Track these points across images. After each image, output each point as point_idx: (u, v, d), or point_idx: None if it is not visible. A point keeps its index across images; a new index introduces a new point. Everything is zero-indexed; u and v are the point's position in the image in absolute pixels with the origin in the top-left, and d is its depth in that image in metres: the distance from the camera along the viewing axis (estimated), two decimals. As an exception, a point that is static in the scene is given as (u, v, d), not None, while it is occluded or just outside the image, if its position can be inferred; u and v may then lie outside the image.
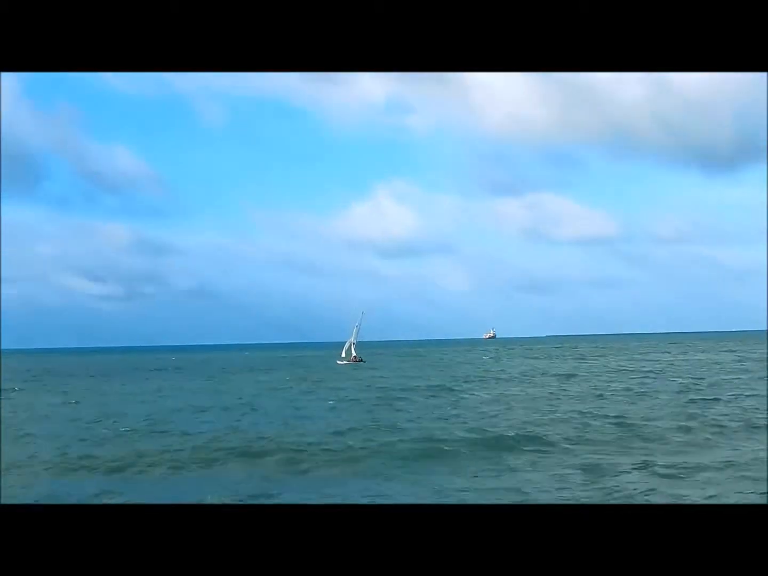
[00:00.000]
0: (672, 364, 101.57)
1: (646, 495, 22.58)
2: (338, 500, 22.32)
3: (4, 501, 21.74)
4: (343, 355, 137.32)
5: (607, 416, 43.67)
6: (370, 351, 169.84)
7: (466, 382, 79.50)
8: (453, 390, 68.89)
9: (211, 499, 22.58)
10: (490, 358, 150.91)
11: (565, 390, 64.49)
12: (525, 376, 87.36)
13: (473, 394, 63.06)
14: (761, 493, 21.71)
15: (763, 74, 7.23)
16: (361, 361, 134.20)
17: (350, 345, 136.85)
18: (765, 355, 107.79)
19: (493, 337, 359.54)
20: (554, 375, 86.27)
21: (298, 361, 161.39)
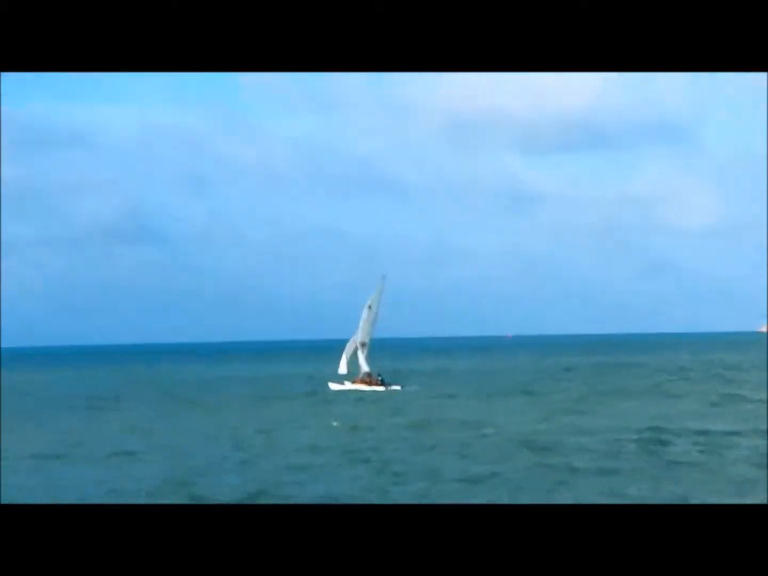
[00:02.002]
0: None
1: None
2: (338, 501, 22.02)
3: (4, 501, 21.75)
4: (343, 369, 69.75)
5: None
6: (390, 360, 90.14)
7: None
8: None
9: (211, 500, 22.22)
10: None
11: None
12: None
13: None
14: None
15: (763, 74, 7.23)
16: (383, 385, 67.98)
17: (356, 348, 69.82)
18: None
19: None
20: None
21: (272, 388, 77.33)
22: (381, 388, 66.67)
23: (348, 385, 67.49)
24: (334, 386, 68.50)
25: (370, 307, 69.58)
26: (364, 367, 68.46)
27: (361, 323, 69.46)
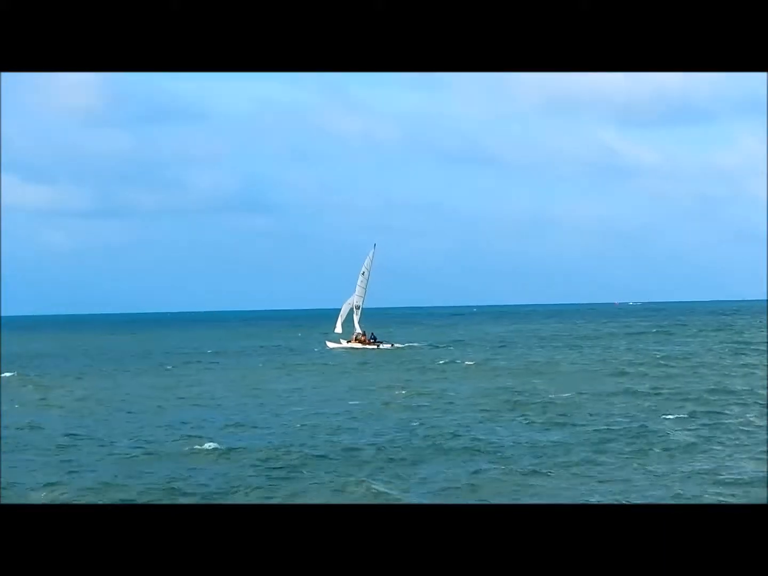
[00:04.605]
0: None
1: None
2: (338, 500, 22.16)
3: (4, 501, 21.75)
4: (338, 329, 76.66)
5: None
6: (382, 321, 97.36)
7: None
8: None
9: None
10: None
11: None
12: None
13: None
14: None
15: (763, 74, 7.23)
16: (376, 343, 74.22)
17: (351, 310, 76.74)
18: None
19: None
20: None
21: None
22: (373, 347, 74.33)
23: (344, 344, 76.12)
24: (331, 344, 77.55)
25: (363, 273, 78.26)
26: (358, 328, 76.62)
27: (356, 288, 77.87)
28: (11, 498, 22.15)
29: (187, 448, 29.12)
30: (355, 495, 22.12)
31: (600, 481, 23.04)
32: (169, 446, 29.86)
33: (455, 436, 30.38)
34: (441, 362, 62.04)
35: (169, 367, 65.54)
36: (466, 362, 61.22)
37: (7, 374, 59.13)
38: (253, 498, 22.09)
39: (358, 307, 77.44)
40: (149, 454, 28.49)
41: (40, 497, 22.45)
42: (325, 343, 78.95)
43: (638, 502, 20.38)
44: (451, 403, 39.97)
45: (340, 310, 78.87)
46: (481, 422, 33.73)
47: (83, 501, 21.87)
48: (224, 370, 61.89)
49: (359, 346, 75.51)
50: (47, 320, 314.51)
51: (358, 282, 78.49)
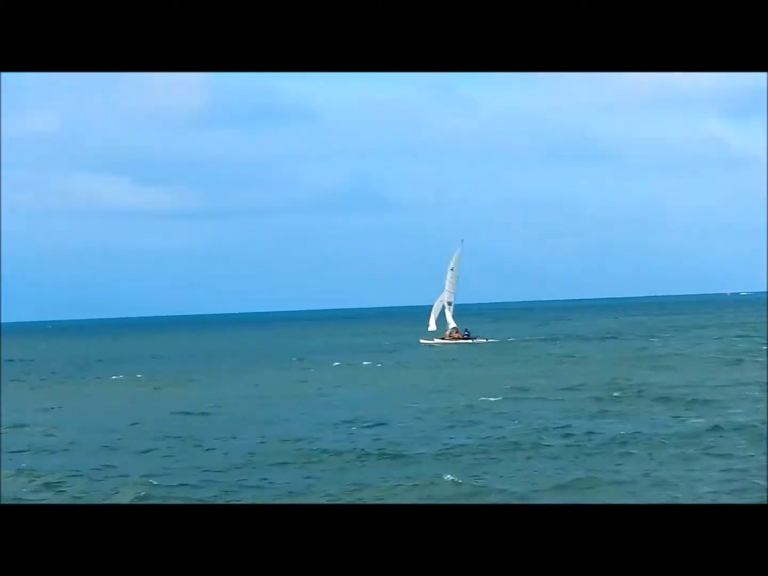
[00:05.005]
0: None
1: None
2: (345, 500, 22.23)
3: (4, 501, 21.74)
4: (432, 327, 75.62)
5: None
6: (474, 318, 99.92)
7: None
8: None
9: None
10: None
11: None
12: None
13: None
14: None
15: (763, 74, 7.23)
16: (470, 338, 73.63)
17: (444, 307, 75.47)
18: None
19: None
20: None
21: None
22: (468, 341, 74.02)
23: (437, 341, 75.51)
24: (424, 342, 76.51)
25: (452, 269, 77.39)
26: (451, 323, 76.01)
27: (446, 284, 77.14)
28: (7, 497, 22.17)
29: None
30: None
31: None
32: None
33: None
34: (543, 354, 64.49)
35: (306, 365, 68.25)
36: (569, 354, 62.94)
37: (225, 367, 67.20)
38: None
39: (450, 303, 77.21)
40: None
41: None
42: (419, 341, 78.01)
43: (638, 502, 20.36)
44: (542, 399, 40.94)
45: (435, 307, 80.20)
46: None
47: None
48: (345, 368, 64.05)
49: (452, 341, 75.13)
50: (175, 320, 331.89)
51: (447, 278, 77.72)
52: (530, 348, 70.95)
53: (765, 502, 19.53)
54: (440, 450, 28.85)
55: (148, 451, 30.97)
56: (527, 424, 33.22)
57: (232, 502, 21.80)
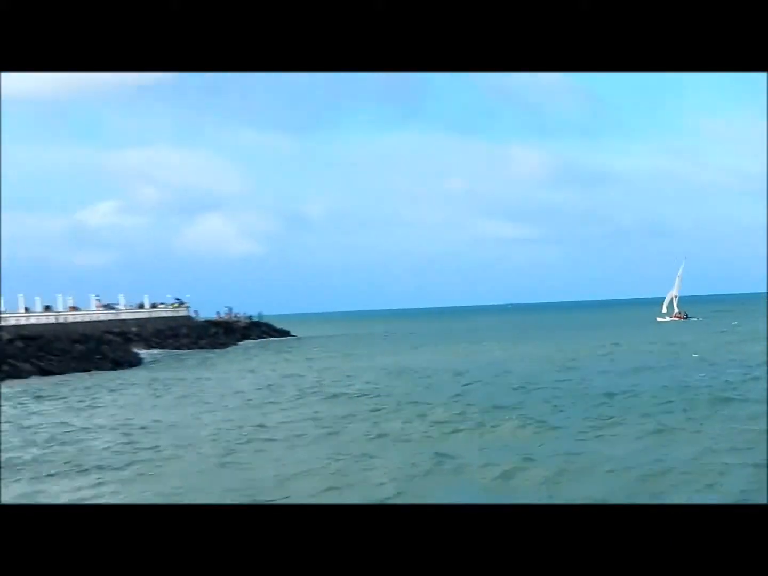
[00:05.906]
0: None
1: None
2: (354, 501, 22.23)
3: (4, 501, 21.75)
4: (664, 310, 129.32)
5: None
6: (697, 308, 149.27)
7: None
8: None
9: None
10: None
11: None
12: None
13: None
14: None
15: (763, 74, 7.23)
16: (686, 317, 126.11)
17: (671, 299, 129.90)
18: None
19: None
20: None
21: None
22: (684, 319, 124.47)
23: (667, 318, 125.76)
24: (659, 319, 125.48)
25: (679, 275, 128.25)
26: (676, 309, 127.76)
27: (675, 282, 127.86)
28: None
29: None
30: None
31: None
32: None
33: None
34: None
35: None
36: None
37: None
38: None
39: (675, 296, 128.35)
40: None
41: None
42: (656, 319, 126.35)
43: (638, 502, 20.36)
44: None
45: (663, 298, 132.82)
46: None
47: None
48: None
49: (676, 319, 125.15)
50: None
51: (675, 282, 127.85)
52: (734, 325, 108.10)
53: (765, 503, 19.53)
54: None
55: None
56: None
57: (232, 503, 21.80)
